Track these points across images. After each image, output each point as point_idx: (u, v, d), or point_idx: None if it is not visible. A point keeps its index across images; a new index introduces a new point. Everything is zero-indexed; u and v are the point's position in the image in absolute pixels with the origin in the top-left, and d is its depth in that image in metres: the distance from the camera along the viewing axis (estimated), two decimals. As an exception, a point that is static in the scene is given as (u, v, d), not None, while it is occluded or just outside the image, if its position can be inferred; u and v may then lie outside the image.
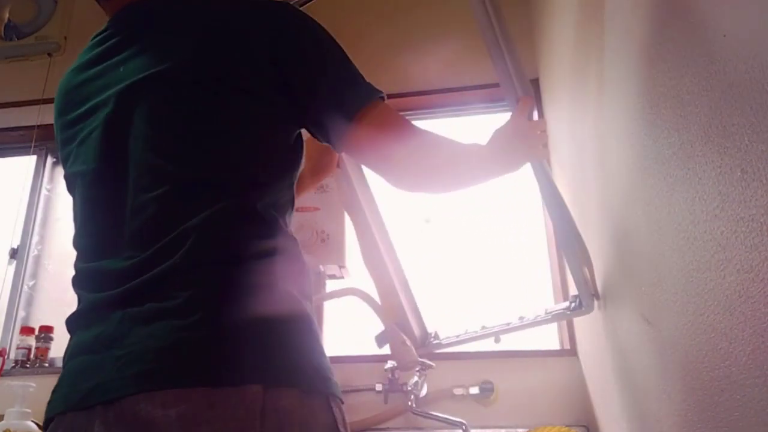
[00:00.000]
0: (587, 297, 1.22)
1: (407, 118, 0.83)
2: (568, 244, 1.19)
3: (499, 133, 0.98)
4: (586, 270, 1.21)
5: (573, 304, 1.27)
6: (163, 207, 0.67)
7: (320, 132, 0.81)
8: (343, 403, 0.71)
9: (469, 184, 0.91)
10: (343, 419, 0.68)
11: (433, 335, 1.53)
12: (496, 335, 1.37)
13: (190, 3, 0.79)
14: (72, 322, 0.71)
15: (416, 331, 1.48)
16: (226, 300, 0.63)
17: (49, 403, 0.66)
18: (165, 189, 0.67)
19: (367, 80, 0.83)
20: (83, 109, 0.78)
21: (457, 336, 1.45)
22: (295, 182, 0.83)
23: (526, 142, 0.98)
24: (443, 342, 1.50)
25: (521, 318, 1.35)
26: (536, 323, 1.31)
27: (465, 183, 0.90)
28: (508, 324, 1.35)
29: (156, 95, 0.71)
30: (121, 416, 0.57)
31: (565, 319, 1.36)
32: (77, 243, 0.76)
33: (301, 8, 1.19)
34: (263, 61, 0.74)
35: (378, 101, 0.80)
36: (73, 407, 0.62)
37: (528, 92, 1.09)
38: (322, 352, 0.70)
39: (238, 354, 0.61)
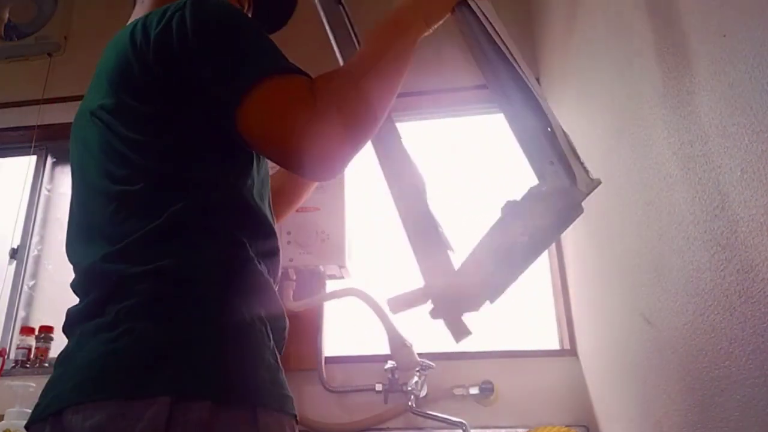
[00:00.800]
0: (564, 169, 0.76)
1: (303, 80, 0.69)
2: (522, 110, 0.79)
3: None
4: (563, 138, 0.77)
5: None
6: (112, 226, 0.70)
7: (222, 129, 0.70)
8: (293, 417, 0.68)
9: (406, 69, 0.77)
10: None
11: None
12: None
13: (123, 31, 0.79)
14: (65, 335, 0.75)
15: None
16: (148, 313, 0.64)
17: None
18: (113, 208, 0.71)
19: (273, 55, 0.71)
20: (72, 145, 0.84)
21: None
22: (249, 182, 0.76)
23: None
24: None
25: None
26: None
27: (400, 75, 0.76)
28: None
29: (99, 124, 0.75)
30: (60, 428, 0.61)
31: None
32: None
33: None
34: (162, 71, 0.71)
35: (268, 79, 0.67)
36: (35, 419, 0.66)
37: None
38: (255, 363, 0.66)
39: (150, 365, 0.61)
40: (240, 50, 0.70)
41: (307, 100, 0.66)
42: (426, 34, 0.82)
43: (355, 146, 0.69)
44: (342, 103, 0.68)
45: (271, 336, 0.71)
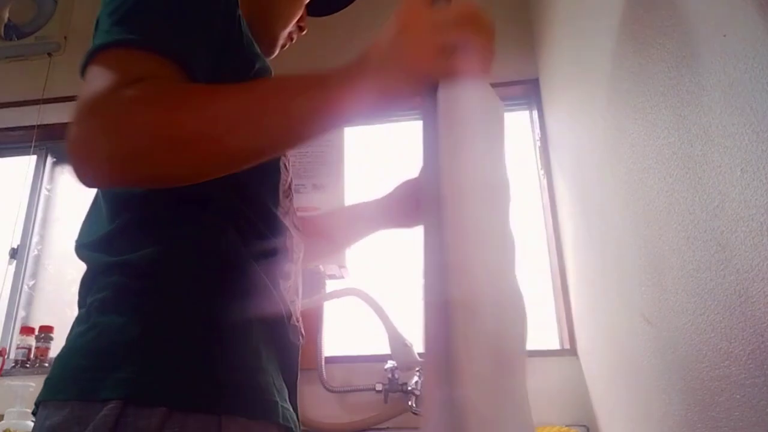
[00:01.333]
0: None
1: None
2: None
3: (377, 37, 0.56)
4: None
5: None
6: (100, 213, 0.69)
7: None
8: (275, 423, 0.62)
9: (289, 144, 0.57)
10: None
11: None
12: None
13: None
14: None
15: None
16: (115, 307, 0.61)
17: None
18: (102, 194, 0.70)
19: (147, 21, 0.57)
20: None
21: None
22: (237, 178, 0.61)
23: (414, 42, 0.52)
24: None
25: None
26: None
27: (270, 149, 0.56)
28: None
29: None
30: (36, 420, 0.60)
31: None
32: None
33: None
34: None
35: (103, 52, 0.55)
36: (34, 411, 0.65)
37: None
38: (227, 365, 0.60)
39: (107, 366, 0.57)
40: (110, 13, 0.58)
41: (107, 93, 0.51)
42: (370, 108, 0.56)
43: (113, 176, 0.54)
44: (132, 120, 0.51)
45: (256, 337, 0.65)
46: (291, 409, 0.68)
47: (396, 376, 1.65)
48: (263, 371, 0.64)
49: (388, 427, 1.66)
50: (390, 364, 1.64)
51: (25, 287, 2.14)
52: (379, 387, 1.65)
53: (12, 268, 2.14)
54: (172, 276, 0.62)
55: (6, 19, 2.38)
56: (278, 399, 0.65)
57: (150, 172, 0.53)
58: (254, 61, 0.73)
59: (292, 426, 0.67)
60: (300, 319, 0.77)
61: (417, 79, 0.53)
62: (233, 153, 0.54)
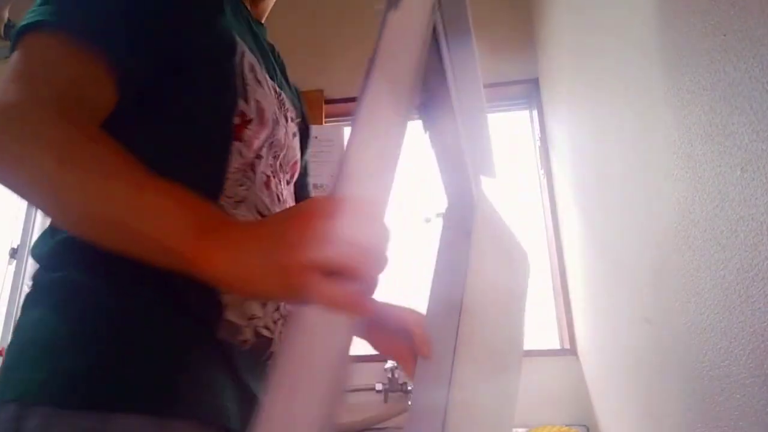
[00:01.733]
0: None
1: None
2: None
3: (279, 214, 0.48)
4: None
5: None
6: None
7: None
8: (198, 420, 0.56)
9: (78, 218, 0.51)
10: None
11: None
12: None
13: None
14: None
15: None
16: (30, 303, 0.59)
17: None
18: None
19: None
20: None
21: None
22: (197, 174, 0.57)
23: (293, 253, 0.42)
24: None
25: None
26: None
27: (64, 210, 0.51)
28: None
29: None
30: None
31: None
32: None
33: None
34: None
35: (30, 35, 0.55)
36: None
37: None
38: (117, 359, 0.54)
39: (13, 365, 0.55)
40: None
41: (24, 111, 0.50)
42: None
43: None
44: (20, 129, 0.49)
45: (173, 331, 0.58)
46: (225, 405, 0.61)
47: (396, 376, 1.65)
48: (177, 365, 0.58)
49: (388, 427, 1.66)
50: (390, 364, 1.64)
51: (25, 287, 2.14)
52: (379, 387, 1.66)
53: (12, 268, 2.14)
54: (82, 266, 0.58)
55: (6, 19, 2.38)
56: (196, 393, 0.58)
57: (25, 199, 0.53)
58: (218, 44, 0.66)
59: (214, 419, 0.59)
60: (256, 315, 0.66)
61: (277, 289, 0.44)
62: (81, 232, 0.52)
